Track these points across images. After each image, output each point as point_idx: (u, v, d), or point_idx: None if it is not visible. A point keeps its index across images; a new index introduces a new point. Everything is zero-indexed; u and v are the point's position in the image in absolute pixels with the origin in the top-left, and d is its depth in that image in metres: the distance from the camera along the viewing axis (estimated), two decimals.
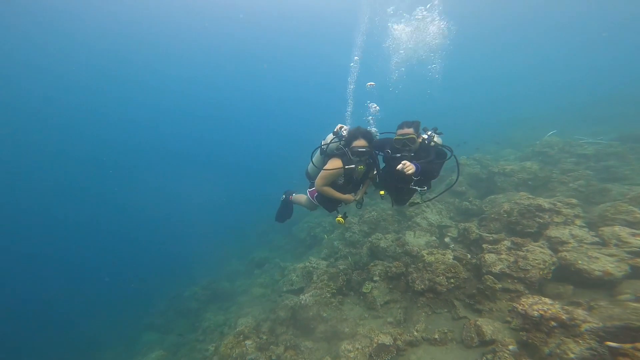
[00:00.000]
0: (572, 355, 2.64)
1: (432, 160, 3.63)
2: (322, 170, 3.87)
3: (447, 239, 6.48)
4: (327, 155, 4.07)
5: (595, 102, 18.24)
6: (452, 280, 4.73)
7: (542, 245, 4.59)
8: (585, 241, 4.46)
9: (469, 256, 5.12)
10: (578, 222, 5.02)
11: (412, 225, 7.20)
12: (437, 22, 8.82)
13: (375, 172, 4.24)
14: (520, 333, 3.31)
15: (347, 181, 4.05)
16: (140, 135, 44.97)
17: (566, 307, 3.21)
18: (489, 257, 4.69)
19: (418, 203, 4.46)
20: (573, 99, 21.58)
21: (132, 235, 22.00)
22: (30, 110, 32.62)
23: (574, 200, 5.48)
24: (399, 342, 4.24)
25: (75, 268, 18.08)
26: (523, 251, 4.54)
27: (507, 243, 4.91)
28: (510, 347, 3.23)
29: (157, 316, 10.00)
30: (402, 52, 8.69)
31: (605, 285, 3.79)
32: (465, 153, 10.89)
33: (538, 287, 4.21)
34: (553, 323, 3.04)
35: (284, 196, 5.40)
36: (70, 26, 24.64)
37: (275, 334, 5.43)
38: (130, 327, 10.01)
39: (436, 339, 4.13)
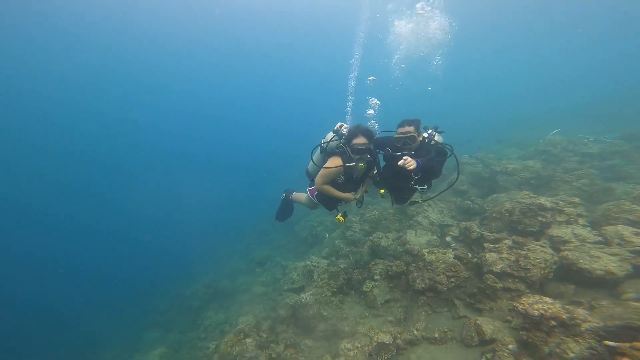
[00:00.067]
0: (571, 355, 2.61)
1: (433, 158, 3.61)
2: (322, 169, 3.86)
3: (448, 238, 6.45)
4: (327, 153, 4.06)
5: (599, 100, 18.09)
6: (452, 279, 4.71)
7: (543, 245, 4.55)
8: (587, 240, 4.42)
9: (470, 255, 5.10)
10: (581, 221, 4.97)
11: (414, 224, 7.18)
12: (438, 17, 8.77)
13: (375, 171, 4.23)
14: (521, 332, 3.28)
15: (347, 180, 4.04)
16: (141, 135, 45.19)
17: (567, 307, 3.18)
18: (490, 256, 4.66)
19: (418, 202, 4.44)
20: (576, 97, 21.41)
21: (134, 234, 22.07)
22: (30, 110, 32.85)
23: (576, 199, 5.43)
24: (398, 341, 4.23)
25: (76, 267, 18.19)
26: (524, 250, 4.51)
27: (508, 242, 4.88)
28: (510, 346, 3.21)
29: (159, 314, 10.06)
30: (402, 47, 8.64)
31: (607, 284, 3.75)
32: (467, 152, 10.84)
33: (539, 287, 4.18)
34: (553, 322, 3.02)
35: (284, 195, 5.39)
36: (70, 26, 24.75)
37: (276, 332, 5.44)
38: (133, 325, 10.08)
39: (436, 337, 4.11)
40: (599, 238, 4.44)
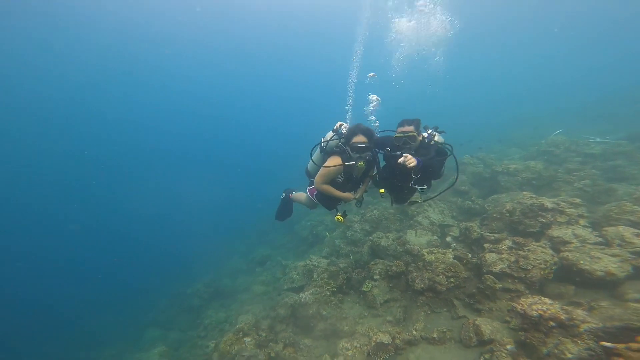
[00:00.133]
0: (569, 356, 2.60)
1: (432, 157, 3.60)
2: (321, 168, 3.86)
3: (448, 238, 6.44)
4: (326, 153, 4.06)
5: (602, 100, 17.95)
6: (451, 280, 4.70)
7: (544, 245, 4.53)
8: (588, 241, 4.40)
9: (469, 255, 5.08)
10: (582, 222, 4.94)
11: (414, 224, 7.16)
12: (439, 14, 8.76)
13: (375, 171, 4.22)
14: (519, 333, 3.27)
15: (347, 179, 4.04)
16: (141, 135, 45.22)
17: (566, 307, 3.17)
18: (490, 257, 4.64)
19: (418, 202, 4.43)
20: (580, 97, 21.27)
21: (135, 234, 22.14)
22: (29, 109, 33.00)
23: (577, 200, 5.40)
24: (397, 341, 4.23)
25: (77, 267, 18.24)
26: (524, 251, 4.49)
27: (508, 243, 4.85)
28: (508, 346, 3.20)
29: (159, 313, 10.09)
30: (403, 44, 8.63)
31: (607, 285, 3.73)
32: (469, 152, 10.81)
33: (539, 287, 4.16)
34: (552, 323, 3.00)
35: (283, 194, 5.40)
36: (70, 26, 24.85)
37: (275, 331, 5.44)
38: (134, 324, 10.11)
39: (435, 338, 4.11)
40: (600, 239, 4.41)
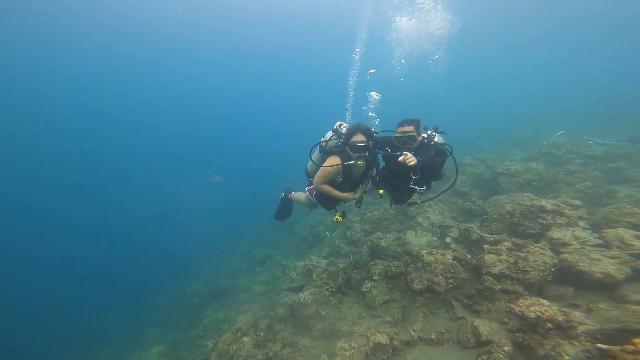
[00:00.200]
0: (566, 357, 2.59)
1: (432, 158, 3.59)
2: (320, 168, 3.86)
3: (448, 239, 6.43)
4: (326, 153, 4.06)
5: (605, 102, 17.86)
6: (450, 281, 4.69)
7: (543, 247, 4.52)
8: (587, 243, 4.38)
9: (469, 257, 5.07)
10: (581, 223, 4.92)
11: (414, 225, 7.16)
12: (439, 12, 8.75)
13: (375, 172, 4.22)
14: (517, 334, 3.26)
15: (346, 179, 4.04)
16: (141, 134, 45.31)
17: (564, 309, 3.16)
18: (489, 258, 4.63)
19: (417, 203, 4.43)
20: (583, 99, 21.17)
21: (136, 234, 22.14)
22: (29, 109, 33.13)
23: (577, 202, 5.38)
24: (395, 342, 4.22)
25: (77, 266, 18.25)
26: (523, 252, 4.47)
27: (507, 244, 4.84)
28: (506, 348, 3.19)
29: (159, 312, 10.10)
30: (403, 42, 8.62)
31: (606, 287, 3.72)
32: (470, 153, 10.79)
33: (538, 289, 4.15)
34: (549, 325, 2.99)
35: (283, 194, 5.41)
36: (70, 25, 24.96)
37: (274, 331, 5.44)
38: (134, 323, 10.13)
39: (433, 339, 4.10)
40: (599, 241, 4.39)
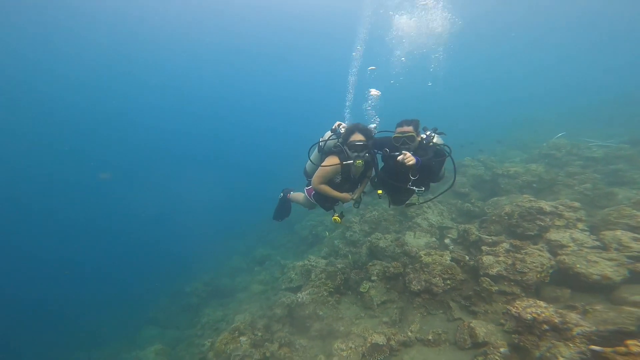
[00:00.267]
0: (561, 359, 2.59)
1: (431, 158, 3.59)
2: (319, 168, 3.86)
3: (447, 240, 6.43)
4: (324, 152, 4.07)
5: (606, 103, 17.82)
6: (448, 282, 4.69)
7: (541, 249, 4.51)
8: (585, 245, 4.37)
9: (467, 258, 5.07)
10: (580, 225, 4.92)
11: (413, 226, 7.15)
12: (440, 11, 8.77)
13: (373, 173, 4.21)
14: (513, 336, 3.26)
15: (345, 179, 4.03)
16: (141, 134, 45.33)
17: (560, 311, 3.16)
18: (487, 259, 4.63)
19: (415, 204, 4.43)
20: (584, 100, 21.13)
21: (136, 233, 22.16)
22: (29, 108, 33.16)
23: (576, 204, 5.37)
24: (392, 342, 4.23)
25: (77, 265, 18.25)
26: (521, 254, 4.47)
27: (506, 245, 4.83)
28: (502, 349, 3.20)
29: (158, 311, 10.12)
30: (404, 41, 8.63)
31: (603, 289, 3.72)
32: (470, 154, 10.78)
33: (535, 290, 4.15)
34: (545, 326, 3.00)
35: (281, 194, 5.41)
36: (71, 25, 25.02)
37: (271, 331, 5.45)
38: (132, 322, 10.14)
39: (430, 339, 4.10)
40: (597, 243, 4.39)
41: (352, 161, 3.63)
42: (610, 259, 3.87)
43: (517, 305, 3.42)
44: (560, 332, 2.89)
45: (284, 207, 5.51)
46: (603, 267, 3.77)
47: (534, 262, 4.24)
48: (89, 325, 10.91)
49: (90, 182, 32.38)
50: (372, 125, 4.90)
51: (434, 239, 6.63)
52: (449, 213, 7.69)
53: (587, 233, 4.69)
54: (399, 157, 3.24)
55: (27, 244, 24.01)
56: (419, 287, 4.83)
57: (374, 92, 5.19)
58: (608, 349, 2.02)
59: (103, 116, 40.32)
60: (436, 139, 3.83)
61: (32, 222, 28.32)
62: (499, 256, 4.63)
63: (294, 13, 30.77)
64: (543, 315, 3.10)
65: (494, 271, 4.43)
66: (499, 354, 3.16)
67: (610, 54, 36.49)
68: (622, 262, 3.78)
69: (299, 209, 5.47)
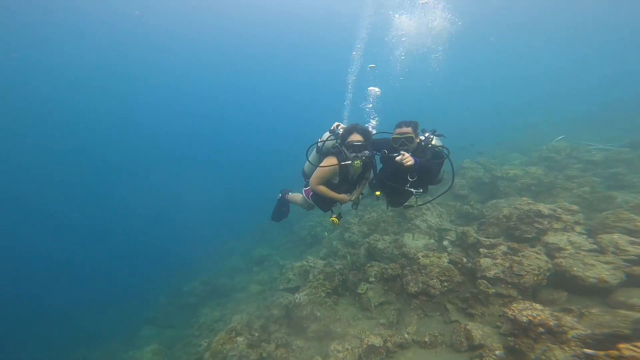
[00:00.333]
0: None
1: (429, 160, 3.59)
2: (317, 168, 3.86)
3: (445, 242, 6.42)
4: (323, 153, 4.07)
5: (609, 107, 17.81)
6: (445, 284, 4.69)
7: (538, 251, 4.51)
8: (582, 248, 4.37)
9: (464, 260, 5.07)
10: (577, 228, 4.93)
11: (412, 228, 7.15)
12: (440, 11, 8.79)
13: (372, 175, 4.22)
14: (509, 338, 3.26)
15: (343, 180, 4.03)
16: (140, 134, 45.39)
17: (556, 314, 3.16)
18: (484, 262, 4.63)
19: (413, 206, 4.43)
20: (586, 104, 21.13)
21: (135, 233, 22.16)
22: (29, 108, 33.20)
23: (574, 207, 5.37)
24: (389, 344, 4.22)
25: (76, 264, 18.27)
26: (519, 256, 4.47)
27: (503, 248, 4.84)
28: (497, 352, 3.19)
29: (156, 310, 10.12)
30: (404, 39, 8.63)
31: (600, 292, 3.72)
32: (469, 156, 10.77)
33: (532, 293, 4.14)
34: (541, 329, 3.00)
35: (280, 195, 5.41)
36: (72, 24, 25.06)
37: (268, 331, 5.45)
38: (130, 321, 10.14)
39: (426, 342, 4.10)
40: (595, 246, 4.39)
41: (350, 162, 3.62)
42: (607, 262, 3.87)
43: (513, 308, 3.43)
44: (556, 335, 2.89)
45: (282, 208, 5.50)
46: (600, 271, 3.77)
47: (531, 265, 4.24)
48: (87, 325, 10.89)
49: (88, 181, 32.44)
50: (373, 122, 4.92)
51: (432, 240, 6.63)
52: (448, 215, 7.69)
53: (585, 236, 4.69)
54: (397, 158, 3.24)
55: (25, 242, 24.02)
56: (416, 288, 4.83)
57: (373, 90, 5.20)
58: (601, 353, 2.02)
59: (102, 116, 40.40)
60: (435, 141, 3.83)
61: (29, 221, 28.34)
62: (497, 259, 4.63)
63: (294, 12, 30.82)
64: (539, 318, 3.10)
65: (491, 274, 4.43)
66: (494, 357, 3.16)
67: (614, 59, 36.44)
68: (619, 266, 3.79)
69: (298, 210, 5.47)
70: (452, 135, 4.12)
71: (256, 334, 5.16)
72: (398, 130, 3.63)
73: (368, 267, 5.82)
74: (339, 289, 5.83)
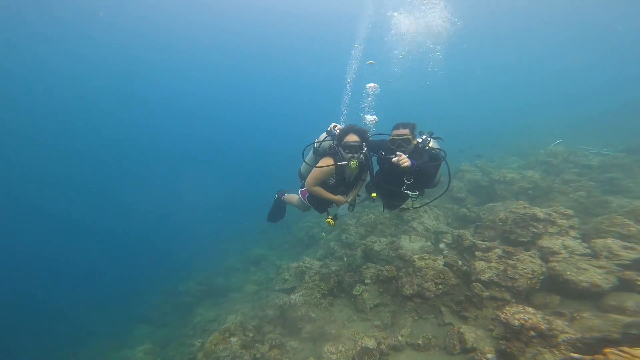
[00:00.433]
0: None
1: (426, 162, 3.59)
2: (313, 169, 3.86)
3: (442, 245, 6.44)
4: (319, 154, 4.07)
5: (609, 112, 17.85)
6: (440, 286, 4.70)
7: (533, 255, 4.53)
8: (576, 252, 4.39)
9: (460, 263, 5.07)
10: (572, 233, 4.95)
11: (409, 230, 7.16)
12: (439, 11, 8.81)
13: (368, 177, 4.22)
14: (500, 342, 3.28)
15: (339, 181, 4.03)
16: (139, 134, 45.34)
17: (547, 317, 3.18)
18: (479, 265, 4.65)
19: (409, 209, 4.43)
20: (587, 108, 21.18)
21: (135, 233, 22.12)
22: (29, 107, 33.19)
23: (569, 211, 5.40)
24: (382, 346, 4.23)
25: (75, 263, 18.22)
26: (513, 260, 4.49)
27: (498, 251, 4.86)
28: (489, 355, 3.21)
29: (151, 309, 10.10)
30: (404, 37, 8.65)
31: (592, 296, 3.73)
32: (467, 159, 10.80)
33: (525, 297, 4.16)
34: (532, 333, 3.01)
35: (276, 196, 5.41)
36: (72, 24, 25.07)
37: (262, 332, 5.45)
38: (125, 320, 10.09)
39: (420, 344, 4.11)
40: (588, 250, 4.41)
41: (346, 162, 3.62)
42: (600, 267, 3.90)
43: (506, 312, 3.44)
44: (547, 339, 2.91)
45: (278, 209, 5.50)
46: (592, 275, 3.79)
47: (525, 269, 4.25)
48: (81, 323, 10.84)
49: (87, 180, 32.41)
50: (373, 117, 4.92)
51: (429, 243, 6.64)
52: (445, 218, 7.71)
53: (579, 240, 4.71)
54: (394, 159, 3.24)
55: (20, 240, 23.98)
56: (411, 291, 4.84)
57: (371, 86, 5.20)
58: (588, 357, 2.03)
59: (101, 115, 40.37)
60: (432, 143, 3.83)
61: (24, 219, 28.29)
62: (491, 262, 4.65)
63: (294, 13, 30.88)
64: (530, 321, 3.12)
65: (485, 277, 4.45)
66: None
67: (618, 63, 36.51)
68: (612, 270, 3.81)
69: (296, 211, 5.47)
70: (452, 138, 4.12)
71: (250, 335, 5.16)
72: (395, 132, 3.63)
73: (364, 268, 5.82)
74: (335, 290, 5.82)
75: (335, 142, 3.83)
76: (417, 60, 9.21)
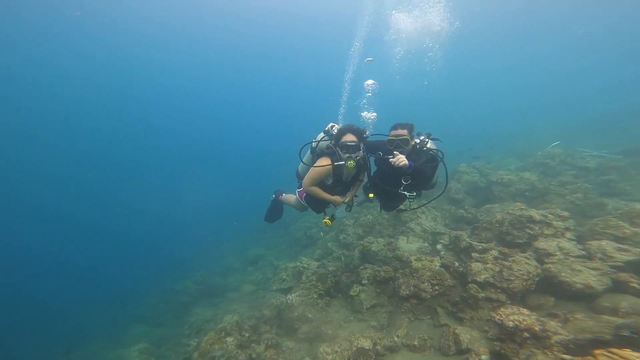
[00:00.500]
0: None
1: (424, 163, 3.60)
2: (310, 169, 3.86)
3: (439, 246, 6.46)
4: (317, 154, 4.07)
5: (608, 115, 17.90)
6: (436, 287, 4.72)
7: (528, 257, 4.55)
8: (571, 254, 4.41)
9: (456, 264, 5.10)
10: (567, 234, 4.97)
11: (406, 231, 7.17)
12: (438, 11, 8.83)
13: (366, 179, 4.22)
14: (495, 343, 3.30)
15: (336, 182, 4.03)
16: (139, 134, 45.25)
17: (541, 319, 3.19)
18: (475, 266, 4.67)
19: (406, 210, 4.43)
20: (587, 111, 21.25)
21: (135, 233, 22.06)
22: (29, 107, 33.14)
23: (565, 213, 5.42)
24: (378, 347, 4.24)
25: (73, 263, 18.18)
26: (509, 261, 4.51)
27: (494, 253, 4.88)
28: (483, 356, 3.23)
29: (147, 308, 10.08)
30: (403, 35, 8.65)
31: (586, 298, 3.76)
32: (467, 160, 10.82)
33: (520, 298, 4.18)
34: (526, 334, 3.03)
35: (273, 196, 5.41)
36: (73, 24, 25.04)
37: (259, 332, 5.45)
38: (121, 318, 10.06)
39: (415, 345, 4.13)
40: (583, 252, 4.44)
41: (343, 162, 3.62)
42: (594, 269, 3.92)
43: (500, 313, 3.46)
44: (540, 340, 2.92)
45: (275, 209, 5.49)
46: (587, 276, 3.81)
47: (520, 270, 4.27)
48: (77, 321, 10.83)
49: (85, 179, 32.33)
50: (372, 114, 4.92)
51: (426, 244, 6.66)
52: (443, 219, 7.74)
53: (574, 242, 4.74)
54: (392, 159, 3.24)
55: (17, 239, 23.91)
56: (407, 292, 4.86)
57: (368, 83, 5.21)
58: (578, 359, 2.05)
59: (100, 115, 40.30)
60: (430, 144, 3.83)
61: (22, 218, 28.20)
62: (487, 263, 4.67)
63: (294, 13, 30.90)
64: (525, 323, 3.14)
65: (481, 278, 4.46)
66: None
67: (619, 66, 36.58)
68: (606, 272, 3.83)
69: (294, 211, 5.48)
70: (451, 139, 4.13)
71: (246, 335, 5.16)
72: (393, 133, 3.62)
73: (361, 269, 5.83)
74: (332, 290, 5.83)
75: (332, 142, 3.83)
76: (415, 60, 9.23)
